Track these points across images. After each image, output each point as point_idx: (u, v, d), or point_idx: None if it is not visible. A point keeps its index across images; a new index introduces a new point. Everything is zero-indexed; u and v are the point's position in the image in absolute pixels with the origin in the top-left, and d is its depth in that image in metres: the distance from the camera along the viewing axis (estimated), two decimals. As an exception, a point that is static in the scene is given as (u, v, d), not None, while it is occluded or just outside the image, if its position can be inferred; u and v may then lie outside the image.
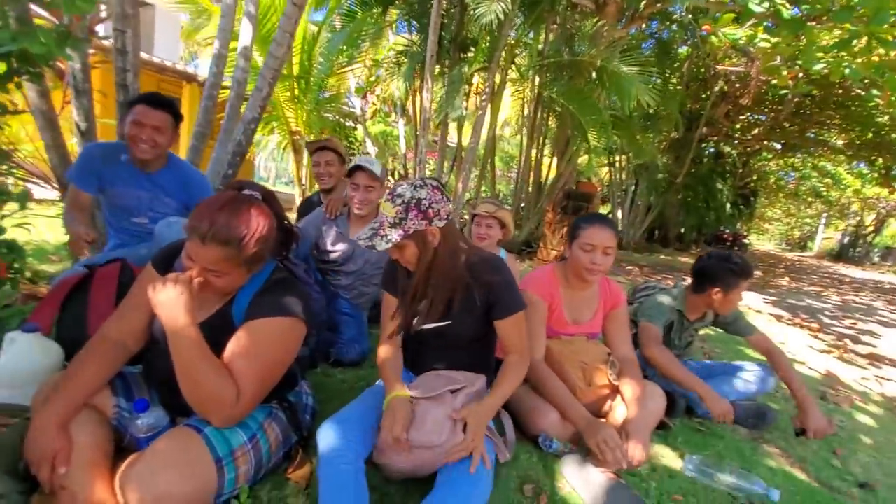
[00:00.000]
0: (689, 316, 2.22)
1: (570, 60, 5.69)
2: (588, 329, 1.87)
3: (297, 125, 5.45)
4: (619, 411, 1.68)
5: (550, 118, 7.48)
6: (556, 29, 6.29)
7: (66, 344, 1.53)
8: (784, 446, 1.95)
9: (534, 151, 7.48)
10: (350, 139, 6.80)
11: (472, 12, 4.65)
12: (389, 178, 8.79)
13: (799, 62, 5.99)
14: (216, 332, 1.17)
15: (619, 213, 12.74)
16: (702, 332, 2.44)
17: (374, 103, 9.00)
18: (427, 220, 1.30)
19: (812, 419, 1.94)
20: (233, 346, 1.17)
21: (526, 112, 7.48)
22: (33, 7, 1.68)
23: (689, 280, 2.23)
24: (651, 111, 7.22)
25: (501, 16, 3.96)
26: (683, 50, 9.74)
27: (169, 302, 1.08)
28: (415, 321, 1.46)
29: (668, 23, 7.60)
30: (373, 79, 8.01)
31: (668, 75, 8.38)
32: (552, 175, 8.02)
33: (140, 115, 1.91)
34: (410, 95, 6.05)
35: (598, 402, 1.74)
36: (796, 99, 9.72)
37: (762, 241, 35.18)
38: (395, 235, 1.29)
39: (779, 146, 14.73)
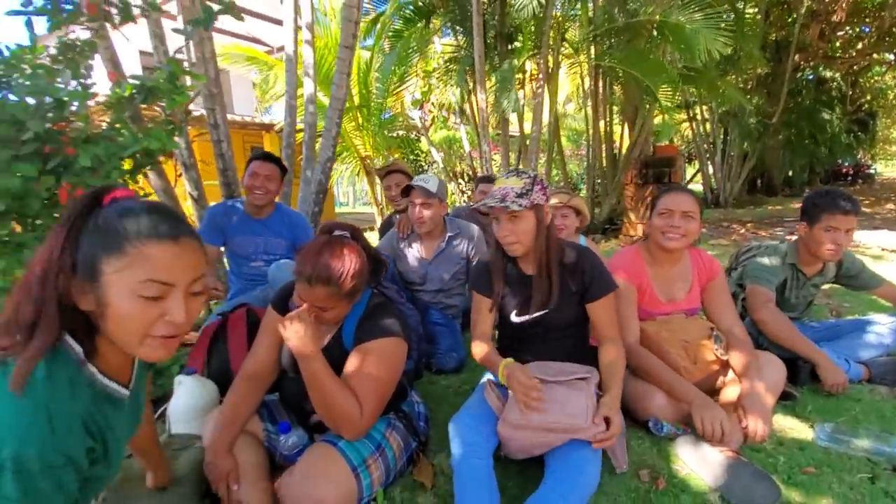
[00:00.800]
0: (805, 270, 2.04)
1: (626, 24, 5.40)
2: (685, 305, 1.81)
3: (366, 150, 5.80)
4: (732, 387, 1.61)
5: (614, 86, 7.14)
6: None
7: (217, 380, 1.82)
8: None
9: (601, 124, 7.19)
10: (416, 152, 7.05)
11: (510, 5, 4.63)
12: (459, 179, 8.94)
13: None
14: (333, 356, 1.34)
15: (710, 169, 11.72)
16: (825, 287, 2.20)
17: (430, 111, 9.21)
18: (545, 197, 1.44)
19: None
20: (349, 368, 1.34)
21: (587, 85, 7.22)
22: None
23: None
24: (728, 53, 6.60)
25: (543, 1, 3.90)
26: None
27: (296, 336, 1.26)
28: (513, 314, 1.55)
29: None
30: (425, 89, 8.21)
31: (741, 9, 7.58)
32: (626, 146, 7.64)
33: (255, 168, 2.28)
34: (466, 97, 6.11)
35: (708, 380, 1.68)
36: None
37: (892, 168, 30.14)
38: (524, 202, 1.39)
39: (892, 56, 12.56)
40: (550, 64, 5.12)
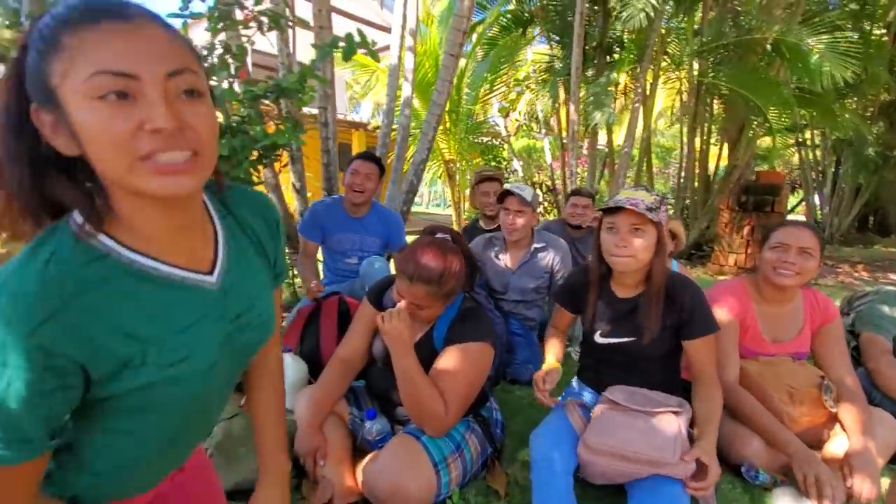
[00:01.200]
0: (935, 322, 1.82)
1: (737, 40, 5.08)
2: (792, 349, 1.68)
3: (451, 154, 5.94)
4: (837, 442, 1.47)
5: (715, 104, 6.71)
6: (713, 8, 5.68)
7: (306, 360, 1.96)
8: None
9: (697, 143, 6.78)
10: (497, 159, 7.07)
11: (614, 17, 4.52)
12: (538, 191, 8.83)
13: None
14: (422, 354, 1.40)
15: (817, 200, 10.64)
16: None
17: (516, 119, 9.20)
18: (665, 218, 1.41)
19: None
20: (438, 367, 1.39)
21: (684, 101, 6.85)
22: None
23: None
24: (856, 78, 5.98)
25: (651, 13, 3.77)
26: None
27: (394, 330, 1.33)
28: (598, 335, 1.52)
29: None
30: (513, 97, 8.21)
31: (868, 30, 6.83)
32: (722, 167, 7.15)
33: (357, 167, 2.43)
34: (556, 108, 6.04)
35: (811, 433, 1.54)
36: None
37: None
38: (653, 215, 1.34)
39: None
40: (649, 78, 4.93)
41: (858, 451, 1.35)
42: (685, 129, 6.79)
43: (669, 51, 6.10)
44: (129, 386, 0.57)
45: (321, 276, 2.67)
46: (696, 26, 5.89)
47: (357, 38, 1.74)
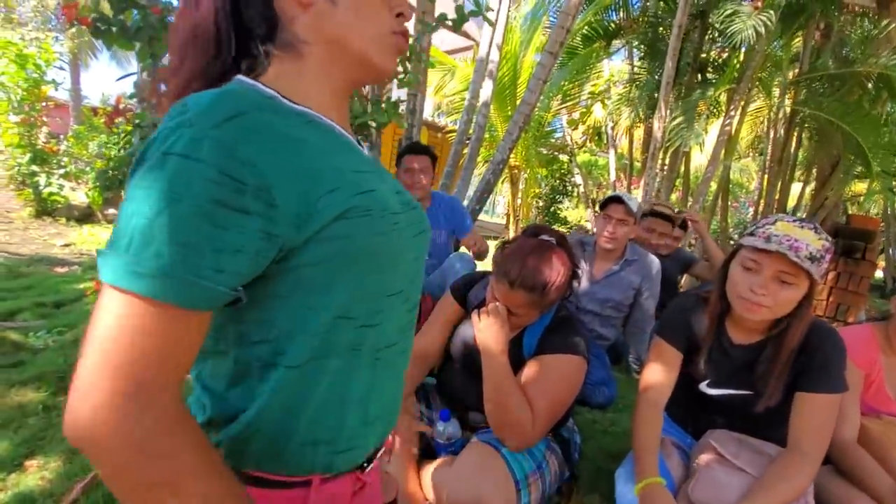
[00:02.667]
0: None
1: (841, 72, 4.70)
2: (923, 412, 1.45)
3: (517, 160, 5.80)
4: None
5: (804, 139, 6.26)
6: (818, 37, 5.29)
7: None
8: None
9: (779, 179, 6.33)
10: (561, 170, 6.88)
11: (714, 33, 4.27)
12: (596, 207, 8.56)
13: None
14: (509, 360, 1.29)
15: (893, 254, 9.76)
16: None
17: (585, 133, 8.98)
18: (825, 272, 1.13)
19: None
20: (527, 375, 1.27)
21: (770, 133, 6.43)
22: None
23: None
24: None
25: (762, 29, 3.52)
26: None
27: (489, 329, 1.24)
28: (704, 384, 1.34)
29: None
30: (583, 109, 7.99)
31: None
32: (801, 206, 6.66)
33: (409, 163, 2.34)
34: (636, 124, 5.81)
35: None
36: None
37: None
38: (814, 269, 1.09)
39: None
40: (741, 102, 4.64)
41: None
42: (766, 163, 6.37)
43: (761, 77, 5.74)
44: (328, 215, 0.47)
45: None
46: (794, 56, 5.52)
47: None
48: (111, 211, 5.57)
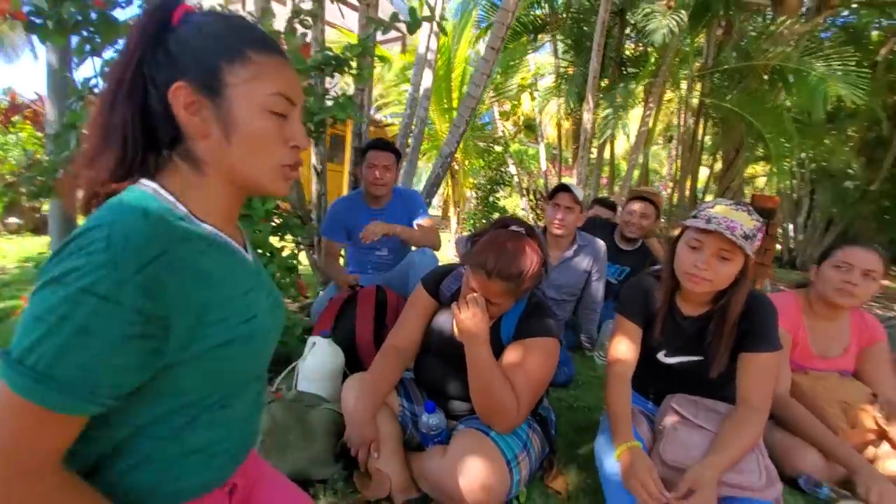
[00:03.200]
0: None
1: (740, 66, 5.24)
2: (840, 365, 1.70)
3: (456, 152, 5.87)
4: (891, 461, 1.49)
5: (709, 128, 6.92)
6: (720, 33, 5.85)
7: (341, 346, 1.86)
8: None
9: (689, 164, 6.96)
10: (497, 161, 7.07)
11: (630, 32, 4.58)
12: (531, 196, 8.90)
13: None
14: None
15: (791, 229, 11.10)
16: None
17: (516, 123, 9.27)
18: (756, 247, 1.25)
19: None
20: (509, 360, 1.32)
21: (678, 122, 7.04)
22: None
23: None
24: (834, 109, 6.23)
25: (675, 30, 3.83)
26: (875, 34, 8.25)
27: (470, 320, 1.26)
28: (662, 354, 1.47)
29: (863, 11, 6.54)
30: (514, 102, 8.24)
31: (857, 64, 7.19)
32: (709, 188, 7.37)
33: (373, 159, 2.29)
34: (568, 115, 6.09)
35: (861, 449, 1.55)
36: None
37: None
38: (747, 246, 1.21)
39: None
40: (659, 95, 5.02)
41: None
42: (679, 149, 6.98)
43: (672, 71, 6.25)
44: (213, 341, 0.58)
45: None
46: (699, 50, 6.06)
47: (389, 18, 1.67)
48: (12, 220, 4.95)
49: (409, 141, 3.49)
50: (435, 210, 12.89)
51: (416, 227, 2.40)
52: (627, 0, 4.84)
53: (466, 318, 1.28)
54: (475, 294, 1.31)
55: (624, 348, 1.44)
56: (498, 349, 1.37)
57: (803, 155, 8.15)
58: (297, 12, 1.56)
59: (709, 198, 7.55)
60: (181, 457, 0.62)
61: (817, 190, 10.69)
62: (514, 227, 1.39)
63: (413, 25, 1.68)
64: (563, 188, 2.24)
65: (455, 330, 1.44)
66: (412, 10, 1.69)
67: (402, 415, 1.50)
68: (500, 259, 1.26)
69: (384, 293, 2.03)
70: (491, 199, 5.72)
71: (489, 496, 1.19)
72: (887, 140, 9.22)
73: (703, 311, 1.41)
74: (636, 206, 2.71)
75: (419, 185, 4.00)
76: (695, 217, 1.30)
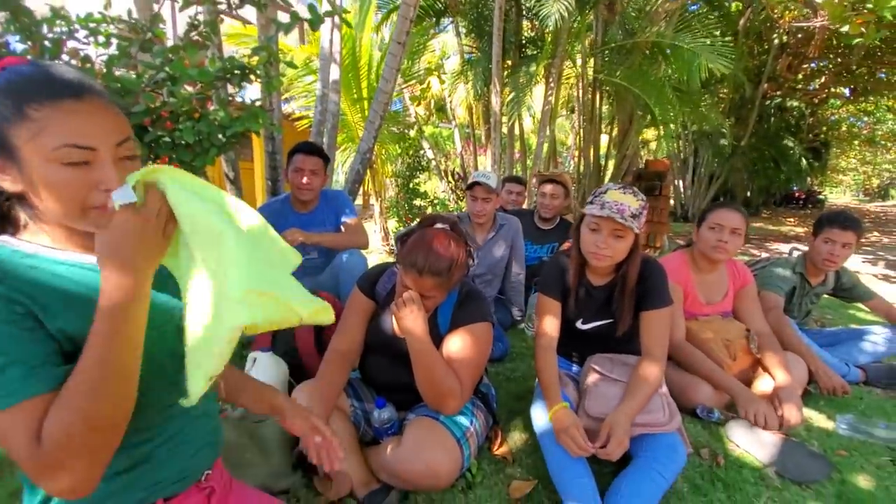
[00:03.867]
0: (811, 280, 2.29)
1: (625, 43, 5.70)
2: (721, 308, 2.02)
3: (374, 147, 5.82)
4: (763, 382, 1.82)
5: (605, 100, 7.46)
6: (605, 13, 6.29)
7: (284, 357, 1.87)
8: (926, 403, 2.01)
9: (590, 134, 7.48)
10: (414, 147, 7.10)
11: (528, 15, 4.79)
12: (450, 178, 9.07)
13: (869, 6, 5.69)
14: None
15: (681, 186, 12.36)
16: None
17: (426, 107, 9.32)
18: (643, 222, 1.49)
19: None
20: (449, 349, 1.44)
21: (578, 97, 7.52)
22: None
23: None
24: (709, 77, 7.02)
25: (566, 14, 4.09)
26: (732, 5, 9.30)
27: (410, 317, 1.35)
28: (579, 322, 1.67)
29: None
30: (423, 86, 8.27)
31: (721, 35, 8.09)
32: (610, 153, 7.99)
33: (300, 163, 2.27)
34: (477, 97, 6.24)
35: (742, 375, 1.88)
36: (867, 43, 9.04)
37: (837, 195, 32.69)
38: (635, 224, 1.45)
39: (847, 92, 13.70)
40: (557, 74, 5.33)
41: (784, 387, 1.68)
42: (580, 122, 7.46)
43: (568, 50, 6.63)
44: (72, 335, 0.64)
45: None
46: (589, 29, 6.48)
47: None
48: None
49: (324, 139, 3.44)
50: (356, 201, 12.67)
51: (342, 226, 2.42)
52: (522, -15, 5.04)
53: (405, 316, 1.36)
54: (410, 292, 1.40)
55: (547, 322, 1.64)
56: (437, 339, 1.48)
57: (685, 119, 9.11)
58: (193, 25, 1.49)
59: (611, 162, 8.18)
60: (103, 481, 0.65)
61: (699, 149, 12.01)
62: (439, 225, 1.49)
63: (315, 23, 1.68)
64: (476, 183, 2.39)
65: (395, 327, 1.53)
66: (311, 7, 1.69)
67: (353, 414, 1.57)
68: (429, 257, 1.36)
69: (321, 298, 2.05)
70: (411, 184, 5.77)
71: (445, 473, 1.31)
72: (751, 100, 10.55)
73: (609, 280, 1.63)
74: (546, 188, 2.95)
75: (338, 180, 3.95)
76: (591, 203, 1.52)
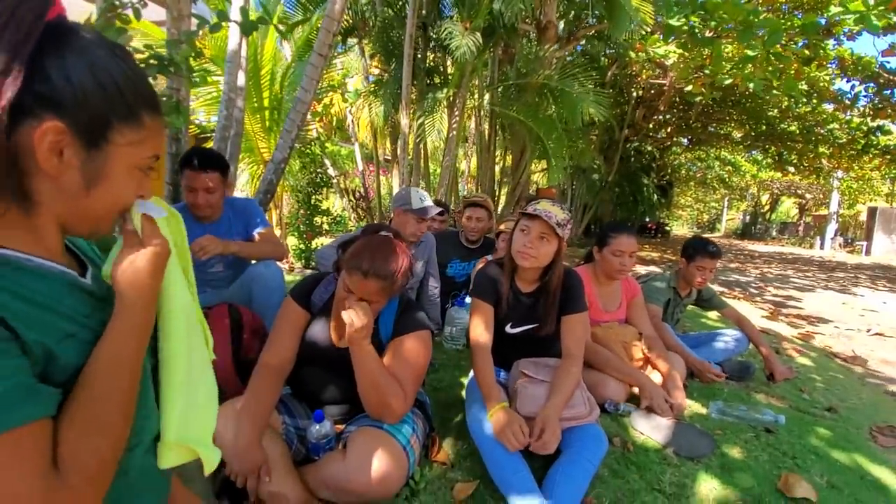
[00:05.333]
0: (681, 293, 2.73)
1: (518, 82, 6.27)
2: (617, 316, 2.31)
3: (271, 153, 5.51)
4: (654, 376, 2.12)
5: (499, 133, 8.07)
6: (500, 53, 6.87)
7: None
8: (766, 390, 2.49)
9: (486, 163, 8.00)
10: (316, 162, 6.92)
11: (434, 46, 5.05)
12: (351, 196, 8.96)
13: (707, 71, 7.01)
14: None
15: (561, 213, 13.67)
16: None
17: (326, 125, 9.15)
18: (567, 235, 1.67)
19: (777, 367, 2.52)
20: (392, 357, 1.46)
21: (476, 126, 8.03)
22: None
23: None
24: (586, 120, 8.03)
25: (474, 49, 4.40)
26: (603, 59, 10.79)
27: (359, 323, 1.32)
28: (508, 326, 1.79)
29: (597, 41, 8.45)
30: (325, 101, 8.15)
31: (595, 85, 9.30)
32: (503, 181, 8.59)
33: (191, 181, 2.02)
34: (384, 122, 6.30)
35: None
36: (703, 102, 11.07)
37: (678, 226, 38.80)
38: (560, 230, 1.62)
39: (686, 141, 16.63)
40: (462, 104, 5.66)
41: (672, 379, 1.99)
42: (478, 150, 7.95)
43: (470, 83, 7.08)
44: (65, 351, 0.57)
45: None
46: (486, 68, 7.00)
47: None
48: None
49: (227, 146, 3.21)
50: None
51: (255, 237, 2.27)
52: (430, 17, 5.30)
53: (355, 321, 1.33)
54: (356, 299, 1.39)
55: (482, 326, 1.73)
56: (379, 347, 1.48)
57: (566, 155, 10.19)
58: (114, 5, 1.34)
59: (504, 189, 8.77)
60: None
61: (576, 182, 13.48)
62: (383, 232, 1.51)
63: (246, 28, 1.63)
64: (444, 210, 2.48)
65: (333, 336, 1.49)
66: (244, 10, 1.64)
67: (286, 432, 1.49)
68: (374, 260, 1.37)
69: (238, 312, 1.90)
70: (313, 200, 5.62)
71: (395, 480, 1.31)
72: (616, 143, 12.18)
73: (535, 287, 1.78)
74: (469, 212, 3.13)
75: (243, 190, 3.70)
76: (525, 209, 1.70)
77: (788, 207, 34.41)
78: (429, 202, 2.48)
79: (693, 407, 2.14)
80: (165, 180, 2.46)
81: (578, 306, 1.75)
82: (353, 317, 1.33)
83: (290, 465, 1.40)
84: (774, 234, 28.78)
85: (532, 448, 1.41)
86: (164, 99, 1.61)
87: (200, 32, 1.70)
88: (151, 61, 1.55)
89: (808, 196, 26.01)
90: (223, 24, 1.73)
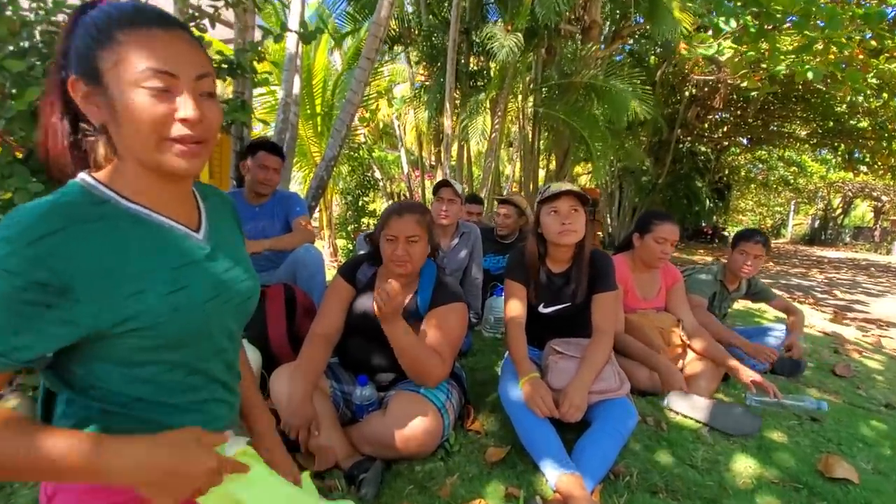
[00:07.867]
0: (729, 286, 2.67)
1: (563, 82, 6.27)
2: (656, 303, 2.30)
3: (322, 158, 5.87)
4: (694, 363, 2.11)
5: (543, 134, 8.06)
6: (544, 55, 6.90)
7: (254, 344, 1.88)
8: (818, 385, 2.39)
9: (530, 165, 8.01)
10: (363, 166, 7.23)
11: (477, 51, 5.17)
12: (397, 199, 9.22)
13: (764, 65, 6.70)
14: (409, 318, 1.56)
15: (608, 218, 13.37)
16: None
17: (373, 130, 9.52)
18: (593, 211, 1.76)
19: (794, 345, 2.44)
20: (431, 326, 1.57)
21: (520, 128, 8.06)
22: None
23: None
24: (633, 119, 7.87)
25: (516, 50, 4.49)
26: (652, 58, 10.52)
27: (393, 302, 1.43)
28: (541, 306, 1.86)
29: (644, 40, 8.29)
30: (373, 107, 8.48)
31: (642, 84, 9.09)
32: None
33: (264, 160, 2.37)
34: (427, 126, 6.51)
35: (675, 358, 2.16)
36: (761, 97, 10.54)
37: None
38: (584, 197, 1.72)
39: (746, 141, 15.78)
40: (503, 106, 5.75)
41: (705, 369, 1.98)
42: (520, 153, 7.99)
43: (512, 84, 7.15)
44: (137, 309, 0.63)
45: None
46: (530, 69, 7.05)
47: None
48: None
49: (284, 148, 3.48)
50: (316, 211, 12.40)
51: (293, 223, 2.49)
52: (472, 22, 5.46)
53: (393, 296, 1.44)
54: (391, 281, 1.50)
55: (515, 304, 1.82)
56: (418, 318, 1.60)
57: (614, 156, 10.00)
58: (193, 16, 1.56)
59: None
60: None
61: (623, 185, 13.15)
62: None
63: (307, 37, 1.81)
64: (445, 183, 2.57)
65: (375, 309, 1.63)
66: (304, 23, 1.82)
67: (333, 395, 1.63)
68: (404, 202, 1.53)
69: (292, 291, 2.09)
70: (360, 203, 5.86)
71: (430, 438, 1.42)
72: (667, 143, 11.79)
73: (566, 267, 1.85)
74: (500, 209, 3.27)
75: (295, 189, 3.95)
76: (542, 195, 1.77)
77: (864, 211, 31.72)
78: (450, 180, 2.61)
79: (731, 394, 2.10)
80: (231, 176, 2.72)
81: (608, 284, 1.79)
82: (385, 294, 1.44)
83: (336, 423, 1.54)
84: (848, 239, 26.60)
85: (560, 416, 1.47)
86: (232, 99, 1.81)
87: (265, 42, 1.91)
88: (223, 65, 1.76)
89: (884, 198, 23.87)
90: (284, 33, 1.92)
